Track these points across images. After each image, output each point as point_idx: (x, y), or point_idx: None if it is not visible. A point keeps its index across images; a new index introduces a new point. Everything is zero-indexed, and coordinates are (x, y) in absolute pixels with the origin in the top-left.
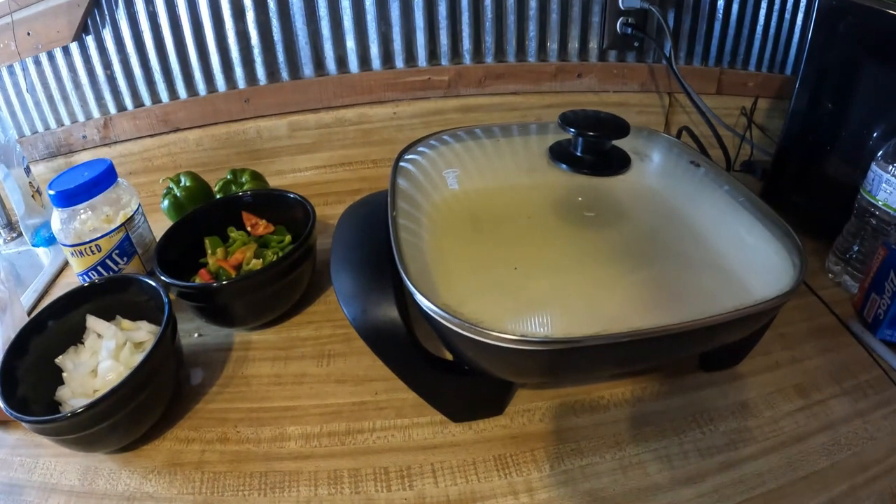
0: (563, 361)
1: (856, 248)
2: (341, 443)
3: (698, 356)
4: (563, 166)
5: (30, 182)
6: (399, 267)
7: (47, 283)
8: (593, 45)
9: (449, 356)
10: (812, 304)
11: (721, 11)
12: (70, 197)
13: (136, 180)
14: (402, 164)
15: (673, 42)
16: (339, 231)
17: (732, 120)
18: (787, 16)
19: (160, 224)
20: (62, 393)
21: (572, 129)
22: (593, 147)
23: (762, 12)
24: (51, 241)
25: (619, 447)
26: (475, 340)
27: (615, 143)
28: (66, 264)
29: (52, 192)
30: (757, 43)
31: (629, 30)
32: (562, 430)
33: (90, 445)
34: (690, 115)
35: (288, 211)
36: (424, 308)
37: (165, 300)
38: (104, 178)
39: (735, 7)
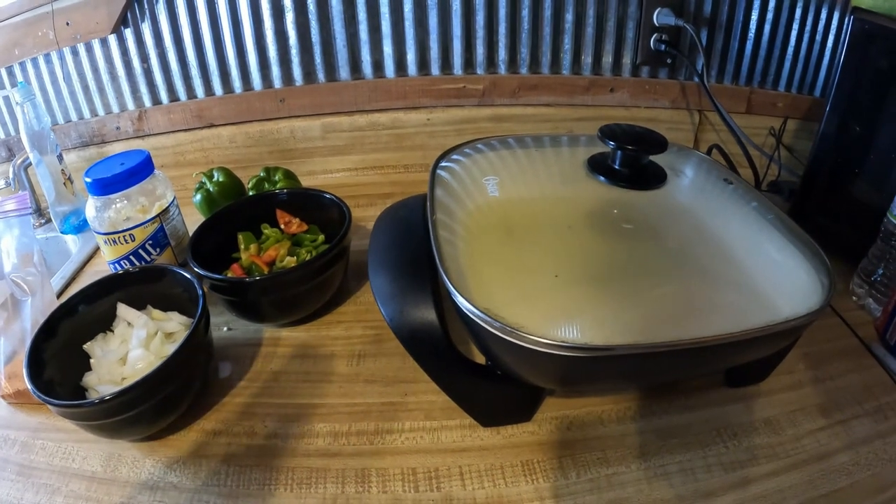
0: (600, 369)
1: (880, 272)
2: (370, 442)
3: (724, 372)
4: (601, 178)
5: (62, 170)
6: (440, 269)
7: (75, 270)
8: (626, 60)
9: (481, 360)
10: (836, 326)
11: (753, 31)
12: (106, 186)
13: (168, 174)
14: (440, 168)
15: (705, 60)
16: (377, 232)
17: (760, 140)
18: (818, 37)
19: (190, 218)
20: (89, 379)
21: (612, 143)
22: (631, 161)
23: (793, 33)
24: (80, 228)
25: (645, 458)
26: (515, 344)
27: (652, 158)
28: (94, 252)
29: (88, 180)
30: (787, 64)
31: (662, 46)
32: (589, 438)
33: (116, 432)
34: (720, 133)
35: (322, 211)
36: (464, 310)
37: (200, 292)
38: (141, 169)
39: (767, 27)
